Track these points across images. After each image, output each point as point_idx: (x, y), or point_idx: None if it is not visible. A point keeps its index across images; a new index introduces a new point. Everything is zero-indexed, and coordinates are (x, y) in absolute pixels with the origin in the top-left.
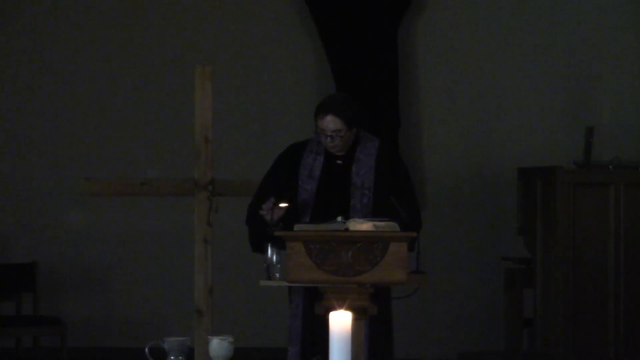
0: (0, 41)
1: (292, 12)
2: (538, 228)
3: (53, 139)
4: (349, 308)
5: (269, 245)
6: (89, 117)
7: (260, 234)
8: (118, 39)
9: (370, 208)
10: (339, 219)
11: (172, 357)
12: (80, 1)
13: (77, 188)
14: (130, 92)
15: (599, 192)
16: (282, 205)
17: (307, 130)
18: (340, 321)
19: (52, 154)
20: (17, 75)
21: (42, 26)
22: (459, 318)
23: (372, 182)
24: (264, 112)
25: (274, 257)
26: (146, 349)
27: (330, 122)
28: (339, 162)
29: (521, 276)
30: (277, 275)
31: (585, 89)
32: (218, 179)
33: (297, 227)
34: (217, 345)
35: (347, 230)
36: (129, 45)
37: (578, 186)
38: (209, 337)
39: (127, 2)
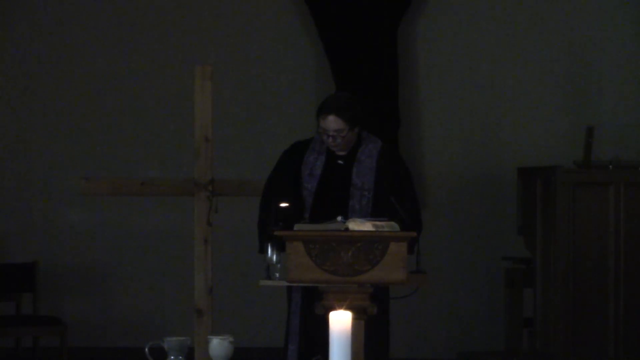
0: (0, 41)
1: (292, 12)
2: (538, 228)
3: (53, 139)
4: (349, 308)
5: (269, 245)
6: (88, 117)
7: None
8: (118, 39)
9: (369, 209)
10: (339, 218)
11: (172, 357)
12: (80, 1)
13: (77, 188)
14: (130, 91)
15: (599, 192)
16: (283, 205)
17: (307, 130)
18: (340, 321)
19: (52, 154)
20: (16, 75)
21: (41, 26)
22: (459, 318)
23: (372, 183)
24: (264, 112)
25: (274, 257)
26: (146, 349)
27: (332, 122)
28: (340, 162)
29: (521, 276)
30: (277, 275)
31: (585, 89)
32: (218, 179)
33: (297, 227)
34: (217, 345)
35: (347, 230)
36: (128, 45)
37: (578, 186)
38: (209, 337)
39: (127, 2)
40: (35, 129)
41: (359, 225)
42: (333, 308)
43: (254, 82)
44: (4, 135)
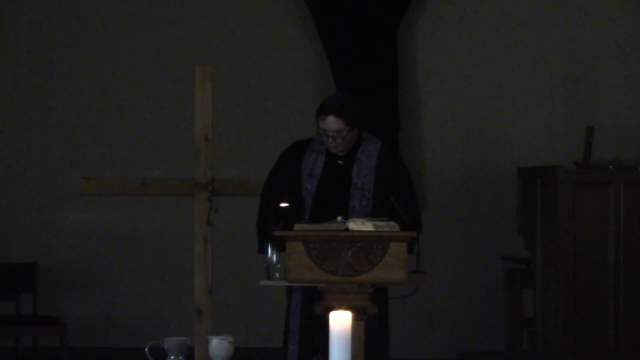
0: (0, 41)
1: (292, 12)
2: (538, 228)
3: (53, 139)
4: (349, 308)
5: (269, 245)
6: (88, 117)
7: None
8: (118, 39)
9: (370, 210)
10: (339, 218)
11: (172, 357)
12: (80, 1)
13: (77, 188)
14: (130, 91)
15: (599, 192)
16: (283, 205)
17: (308, 130)
18: (340, 321)
19: (52, 154)
20: (16, 75)
21: (42, 26)
22: (459, 318)
23: (372, 183)
24: (264, 112)
25: (274, 257)
26: (146, 349)
27: (332, 123)
28: (340, 162)
29: (521, 276)
30: (277, 275)
31: (585, 89)
32: (218, 179)
33: (297, 227)
34: (217, 345)
35: (347, 230)
36: (128, 45)
37: (578, 186)
38: (209, 337)
39: (126, 2)
40: (35, 129)
41: (359, 225)
42: (333, 308)
43: (254, 82)
44: (4, 134)
